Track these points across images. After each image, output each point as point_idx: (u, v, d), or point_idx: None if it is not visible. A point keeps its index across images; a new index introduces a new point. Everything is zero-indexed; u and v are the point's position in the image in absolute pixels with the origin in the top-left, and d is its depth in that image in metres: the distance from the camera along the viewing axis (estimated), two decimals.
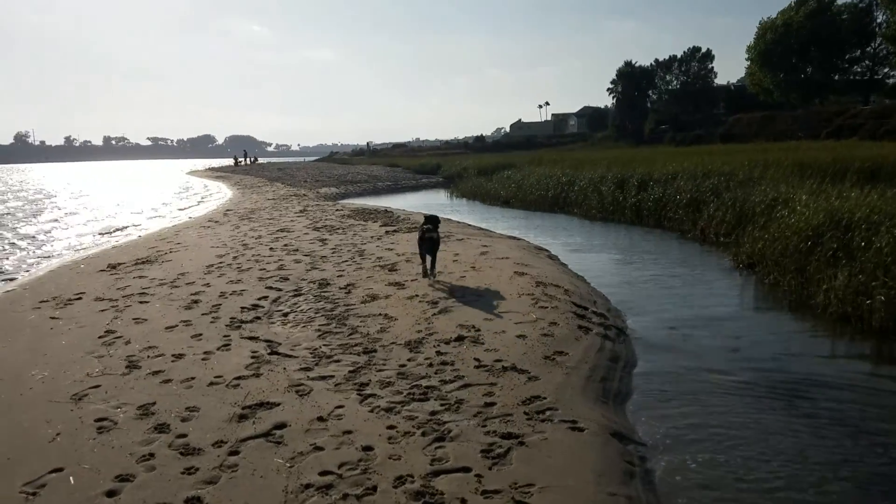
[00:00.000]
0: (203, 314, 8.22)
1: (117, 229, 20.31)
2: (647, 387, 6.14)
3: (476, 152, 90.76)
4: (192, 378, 5.98)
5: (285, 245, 13.40)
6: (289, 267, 10.97)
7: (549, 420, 4.91)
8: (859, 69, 78.49)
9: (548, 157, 43.31)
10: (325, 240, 13.86)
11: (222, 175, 59.54)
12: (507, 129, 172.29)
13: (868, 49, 76.42)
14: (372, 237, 14.06)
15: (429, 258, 9.66)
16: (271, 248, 12.93)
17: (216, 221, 19.60)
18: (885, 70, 75.71)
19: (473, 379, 5.69)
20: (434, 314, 7.62)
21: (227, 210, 23.94)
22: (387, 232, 14.77)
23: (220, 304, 8.64)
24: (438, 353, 6.38)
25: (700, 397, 5.88)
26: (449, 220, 19.18)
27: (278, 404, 5.32)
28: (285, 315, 8.07)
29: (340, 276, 10.08)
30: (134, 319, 8.10)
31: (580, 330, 7.05)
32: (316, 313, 8.06)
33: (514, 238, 15.10)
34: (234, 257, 12.12)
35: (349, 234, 14.66)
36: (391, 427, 4.81)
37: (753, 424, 5.35)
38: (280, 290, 9.39)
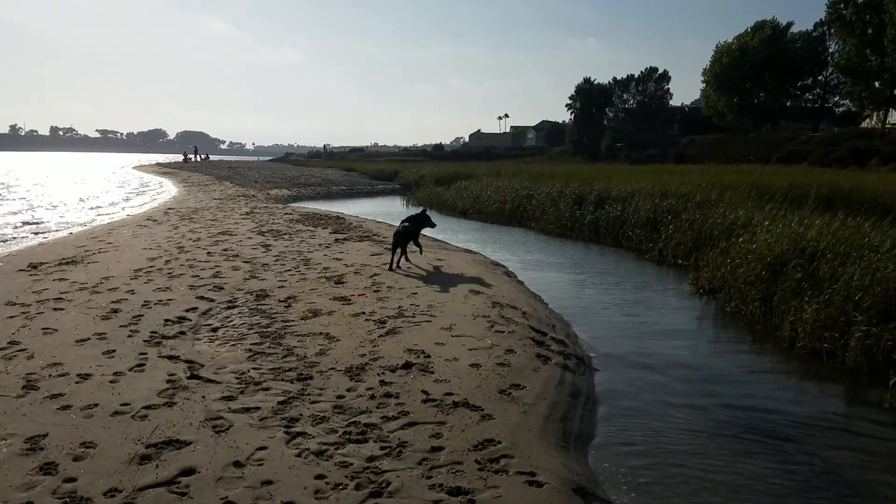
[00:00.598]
0: (121, 326, 7.36)
1: (43, 225, 19.01)
2: (610, 428, 5.57)
3: (435, 160, 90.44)
4: (95, 405, 5.17)
5: (225, 250, 12.51)
6: (225, 274, 10.12)
7: (503, 471, 4.27)
8: (810, 97, 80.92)
9: (507, 168, 43.04)
10: (269, 245, 13.01)
11: (170, 171, 57.66)
12: (467, 139, 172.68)
13: (819, 77, 78.87)
14: (320, 245, 13.27)
15: (398, 251, 10.80)
16: (209, 253, 12.04)
17: (155, 220, 18.50)
18: (836, 98, 78.20)
19: (420, 416, 5.02)
20: (381, 335, 6.93)
21: (169, 208, 22.77)
22: (336, 240, 13.99)
23: (143, 315, 7.78)
24: (382, 382, 5.69)
25: (667, 441, 5.34)
26: None
27: (189, 443, 4.56)
28: (214, 330, 7.27)
29: (281, 286, 9.30)
30: (43, 329, 7.19)
31: (539, 359, 6.45)
32: (249, 329, 7.28)
33: (471, 252, 14.51)
34: (167, 261, 11.19)
35: (296, 241, 13.84)
36: (320, 477, 4.10)
37: (726, 471, 4.83)
38: (212, 300, 8.56)
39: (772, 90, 78.64)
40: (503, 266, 12.81)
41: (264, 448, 4.47)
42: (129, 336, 6.99)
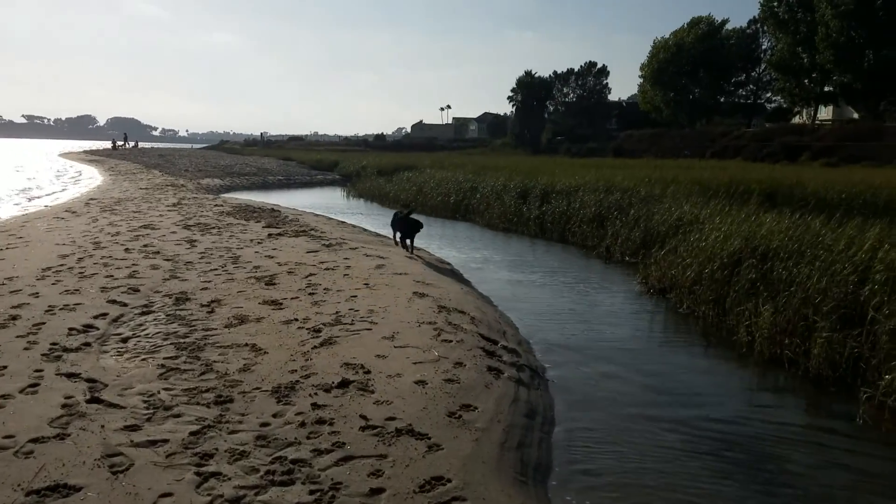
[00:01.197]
0: (18, 336, 6.42)
1: None
2: (571, 453, 5.02)
3: (376, 151, 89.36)
4: None
5: (145, 246, 11.49)
6: (143, 274, 9.18)
7: None
8: (744, 93, 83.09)
9: (450, 160, 42.53)
10: (195, 241, 12.04)
11: (97, 159, 54.93)
12: (409, 130, 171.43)
13: (753, 74, 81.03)
14: (251, 240, 12.38)
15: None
16: (127, 250, 11.01)
17: (74, 212, 17.16)
18: (768, 95, 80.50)
19: (357, 448, 4.35)
20: (315, 346, 6.20)
21: (91, 199, 21.30)
22: (270, 235, 13.09)
23: (44, 323, 6.83)
24: (315, 405, 4.98)
25: (631, 463, 4.84)
26: (343, 223, 17.71)
27: (79, 489, 3.79)
28: (124, 341, 6.41)
29: (205, 288, 8.44)
30: None
31: (490, 373, 5.85)
32: (164, 339, 6.45)
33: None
34: (80, 259, 10.14)
35: (225, 236, 12.89)
36: None
37: (699, 495, 4.36)
38: (125, 304, 7.66)
39: (706, 86, 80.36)
40: (448, 264, 12.20)
41: (168, 495, 3.73)
42: (24, 349, 6.07)
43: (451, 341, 6.30)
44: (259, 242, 12.11)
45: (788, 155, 49.51)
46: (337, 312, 7.32)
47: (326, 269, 9.66)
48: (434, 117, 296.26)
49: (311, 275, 9.26)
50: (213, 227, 14.04)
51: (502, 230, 18.91)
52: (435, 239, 16.47)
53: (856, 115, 63.77)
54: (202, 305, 7.67)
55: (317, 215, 19.18)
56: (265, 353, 6.07)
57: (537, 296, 10.33)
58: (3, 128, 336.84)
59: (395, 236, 13.35)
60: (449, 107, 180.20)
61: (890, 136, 46.79)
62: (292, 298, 7.96)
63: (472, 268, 12.43)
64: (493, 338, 6.76)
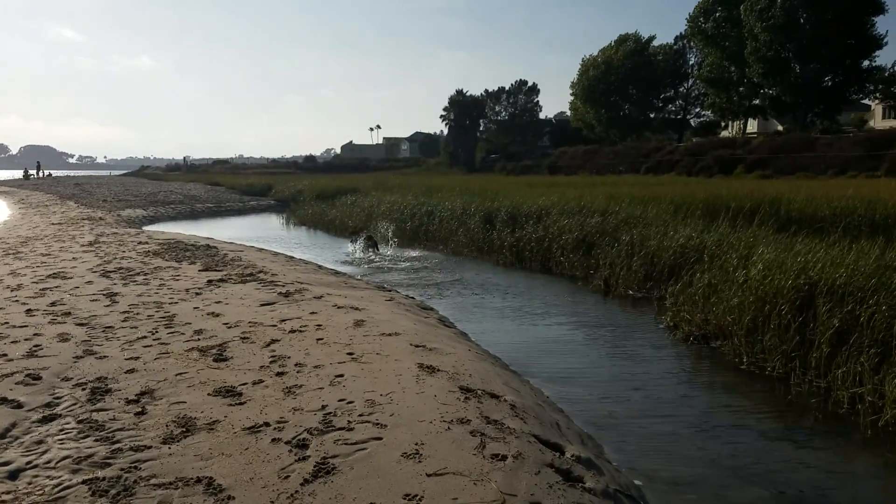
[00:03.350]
0: None
1: None
2: None
3: (307, 172, 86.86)
4: None
5: (53, 304, 9.04)
6: (48, 350, 6.83)
7: None
8: (673, 108, 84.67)
9: (391, 181, 40.57)
10: (116, 295, 9.62)
11: (7, 190, 50.32)
12: (338, 151, 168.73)
13: (681, 89, 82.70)
14: (187, 290, 10.05)
15: None
16: (29, 311, 8.55)
17: None
18: (697, 109, 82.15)
19: None
20: (305, 481, 4.08)
21: None
22: (210, 281, 10.77)
23: None
24: None
25: None
26: (293, 259, 15.46)
27: None
28: (12, 477, 4.17)
29: (131, 370, 6.17)
30: None
31: None
32: (74, 473, 4.22)
33: (385, 289, 11.77)
34: None
35: (153, 285, 10.51)
36: None
37: None
38: (19, 405, 5.36)
39: (636, 102, 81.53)
40: (433, 310, 10.21)
41: None
42: None
43: (504, 457, 4.30)
44: (197, 293, 9.80)
45: (723, 168, 49.90)
46: (323, 407, 5.20)
47: (292, 330, 7.50)
48: (364, 137, 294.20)
49: (273, 341, 7.08)
50: (138, 273, 11.60)
51: (471, 258, 17.05)
52: (400, 273, 14.44)
53: (780, 128, 65.52)
54: (128, 402, 5.42)
55: (260, 250, 16.83)
56: (229, 496, 3.92)
57: (557, 350, 8.40)
58: None
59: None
60: (379, 127, 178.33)
61: (821, 148, 47.65)
62: (255, 383, 5.79)
63: (457, 310, 10.47)
64: (553, 440, 4.79)
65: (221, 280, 10.86)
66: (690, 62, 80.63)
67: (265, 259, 14.19)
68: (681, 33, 79.29)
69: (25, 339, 7.19)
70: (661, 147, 65.33)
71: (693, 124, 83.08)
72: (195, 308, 8.77)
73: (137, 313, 8.47)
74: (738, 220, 13.19)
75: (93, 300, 9.31)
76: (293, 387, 5.66)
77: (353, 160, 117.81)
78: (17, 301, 9.19)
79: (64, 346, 7.01)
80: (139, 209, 31.78)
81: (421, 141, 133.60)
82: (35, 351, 6.78)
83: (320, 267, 14.43)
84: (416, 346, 6.81)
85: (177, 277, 11.18)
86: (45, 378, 6.01)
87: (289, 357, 6.49)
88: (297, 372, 6.06)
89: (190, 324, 7.92)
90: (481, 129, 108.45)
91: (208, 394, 5.57)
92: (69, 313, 8.48)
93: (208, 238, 18.69)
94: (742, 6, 56.52)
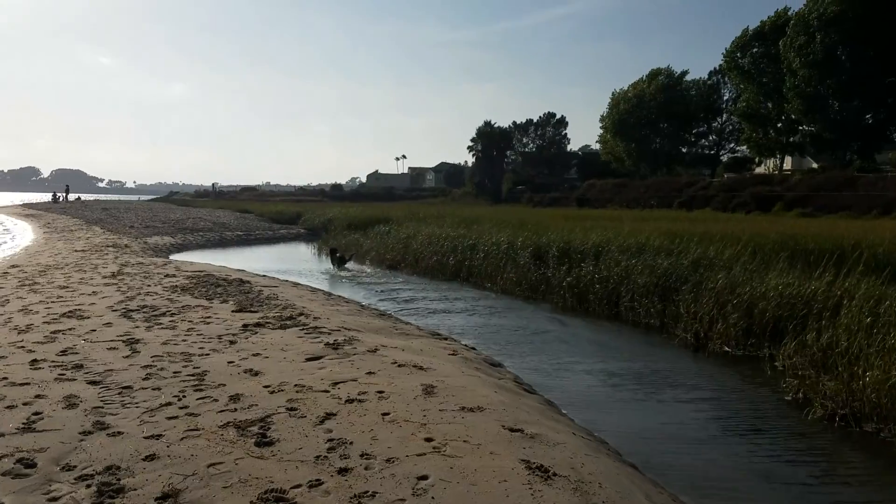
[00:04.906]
0: None
1: None
2: None
3: (334, 200, 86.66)
4: None
5: (64, 352, 7.72)
6: (50, 418, 5.46)
7: None
8: (706, 143, 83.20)
9: (424, 211, 39.36)
10: (138, 342, 8.28)
11: (34, 213, 50.04)
12: (363, 179, 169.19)
13: (715, 124, 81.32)
14: (220, 337, 8.68)
15: None
16: (35, 363, 7.21)
17: None
18: (731, 145, 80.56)
19: None
20: None
21: (14, 265, 17.25)
22: (245, 326, 9.40)
23: None
24: None
25: None
26: (332, 297, 14.10)
27: None
28: None
29: (152, 456, 4.77)
30: None
31: None
32: None
33: (441, 336, 10.32)
34: None
35: (181, 328, 9.17)
36: None
37: None
38: None
39: (668, 136, 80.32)
40: (502, 366, 8.73)
41: None
42: None
43: None
44: (231, 342, 8.41)
45: (760, 205, 48.26)
46: None
47: (349, 399, 6.05)
48: (390, 167, 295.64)
49: (327, 415, 5.64)
50: (164, 313, 10.28)
51: (522, 298, 15.56)
52: (453, 317, 12.96)
53: (814, 165, 63.78)
54: None
55: (296, 285, 15.50)
56: None
57: (680, 437, 6.59)
58: None
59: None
60: (405, 156, 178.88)
61: (864, 187, 45.87)
62: (311, 486, 4.33)
63: (532, 369, 8.95)
64: None
65: (258, 324, 9.48)
66: (725, 97, 79.37)
67: (303, 297, 12.82)
68: (715, 68, 78.30)
69: (24, 404, 5.83)
70: (693, 182, 63.93)
71: (726, 160, 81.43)
72: (230, 363, 7.37)
73: (161, 368, 7.10)
74: (824, 265, 11.62)
75: (110, 348, 7.96)
76: (362, 495, 4.19)
77: (379, 189, 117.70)
78: (22, 347, 7.86)
79: (70, 414, 5.63)
80: (167, 236, 30.78)
81: (446, 171, 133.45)
82: (33, 422, 5.41)
83: (363, 307, 13.03)
84: (512, 431, 5.32)
85: (207, 319, 9.83)
86: (41, 466, 4.62)
87: (351, 442, 5.03)
88: (365, 468, 4.59)
89: (224, 385, 6.51)
90: (508, 160, 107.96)
91: (251, 502, 4.13)
92: (81, 366, 7.12)
93: (240, 270, 17.44)
94: (780, 42, 55.29)
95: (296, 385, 6.49)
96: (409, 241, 23.62)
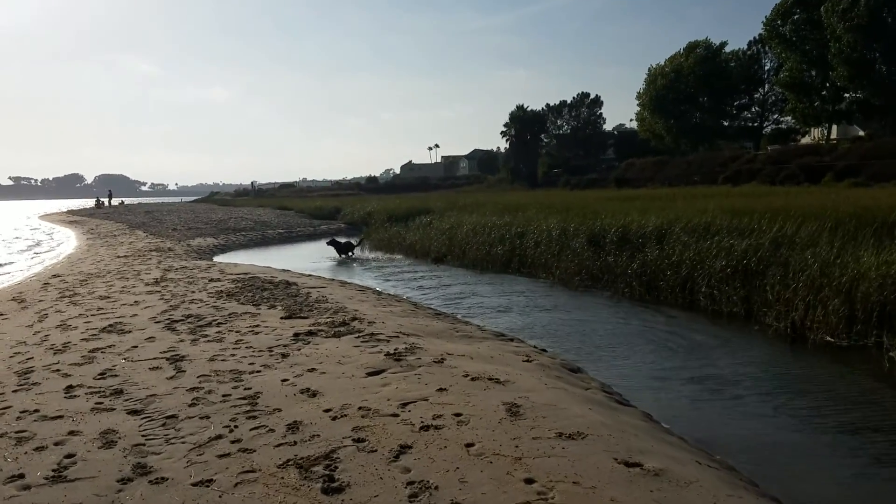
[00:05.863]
0: None
1: None
2: None
3: (370, 193, 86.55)
4: None
5: (103, 374, 7.05)
6: (84, 462, 4.75)
7: None
8: (749, 115, 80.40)
9: (463, 200, 38.44)
10: (183, 359, 7.58)
11: (78, 219, 50.63)
12: (397, 171, 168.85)
13: (756, 96, 78.46)
14: (270, 349, 7.94)
15: None
16: (70, 389, 6.55)
17: (22, 301, 12.76)
18: (775, 116, 77.66)
19: None
20: None
21: (54, 275, 16.90)
22: (297, 335, 8.65)
23: None
24: None
25: None
26: (382, 296, 13.33)
27: None
28: None
29: None
30: None
31: None
32: None
33: (506, 337, 9.43)
34: None
35: (228, 340, 8.46)
36: None
37: None
38: None
39: (708, 110, 77.91)
40: (582, 372, 7.81)
41: None
42: None
43: None
44: (284, 354, 7.66)
45: (809, 177, 46.19)
46: None
47: (424, 426, 5.20)
48: (422, 156, 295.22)
49: (401, 449, 4.79)
50: (210, 323, 9.60)
51: (582, 288, 14.57)
52: (514, 314, 12.04)
53: (861, 133, 61.10)
54: None
55: (344, 285, 14.76)
56: None
57: (818, 454, 5.61)
58: None
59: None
60: (437, 146, 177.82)
61: None
62: None
63: (618, 374, 7.97)
64: None
65: (311, 332, 8.72)
66: (766, 67, 76.43)
67: (354, 298, 12.06)
68: (754, 38, 75.41)
69: (56, 444, 5.13)
70: (737, 156, 61.81)
71: (769, 131, 78.61)
72: (283, 381, 6.60)
73: (209, 391, 6.36)
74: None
75: (153, 368, 7.28)
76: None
77: (413, 179, 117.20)
78: (58, 371, 7.22)
79: (107, 456, 4.90)
80: (210, 237, 30.47)
81: (480, 158, 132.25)
82: (65, 468, 4.69)
83: (415, 305, 12.22)
84: (629, 466, 4.40)
85: (256, 329, 9.11)
86: None
87: (436, 487, 4.18)
88: None
89: (280, 410, 5.73)
90: (543, 143, 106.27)
91: None
92: (120, 391, 6.43)
93: (285, 271, 16.80)
94: (823, 7, 52.72)
95: (360, 408, 5.67)
96: (453, 232, 22.77)
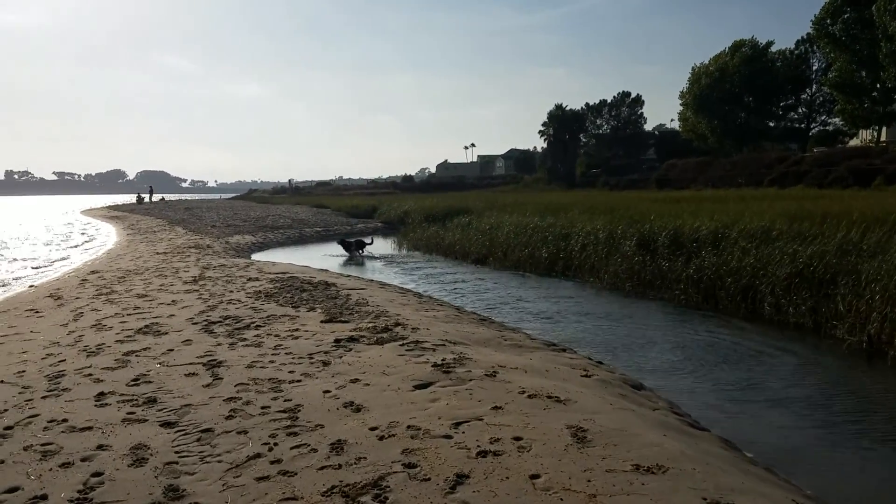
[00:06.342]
0: None
1: None
2: None
3: (406, 192, 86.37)
4: None
5: (136, 380, 6.69)
6: (112, 483, 4.33)
7: None
8: (795, 116, 78.20)
9: (502, 200, 37.87)
10: (220, 365, 7.20)
11: (119, 215, 51.34)
12: (432, 170, 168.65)
13: (803, 96, 76.24)
14: (311, 356, 7.51)
15: None
16: (101, 396, 6.19)
17: (59, 297, 12.62)
18: (823, 117, 75.37)
19: None
20: None
21: (92, 272, 16.82)
22: (338, 341, 8.21)
23: None
24: None
25: None
26: (422, 298, 12.86)
27: None
28: None
29: None
30: None
31: None
32: None
33: (557, 347, 8.87)
34: (2, 434, 5.35)
35: (267, 346, 8.06)
36: None
37: None
38: None
39: (754, 111, 75.99)
40: (645, 388, 7.22)
41: None
42: None
43: None
44: (325, 362, 7.22)
45: (858, 180, 44.52)
46: None
47: (481, 452, 4.67)
48: (458, 156, 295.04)
49: (458, 479, 4.27)
50: (248, 326, 9.23)
51: (633, 294, 13.92)
52: (561, 322, 11.45)
53: None
54: None
55: (384, 286, 14.34)
56: None
57: None
58: (34, 186, 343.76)
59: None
60: (473, 145, 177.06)
61: None
62: None
63: (686, 393, 7.35)
64: None
65: (352, 339, 8.26)
66: (814, 67, 74.15)
67: (394, 301, 11.60)
68: (803, 37, 73.25)
69: (83, 459, 4.74)
70: (784, 158, 60.01)
71: (815, 133, 76.32)
72: (325, 392, 6.15)
73: (247, 402, 5.94)
74: None
75: (188, 374, 6.90)
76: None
77: (449, 179, 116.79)
78: (90, 376, 6.89)
79: (137, 475, 4.49)
80: (248, 235, 30.43)
81: (516, 158, 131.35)
82: (91, 489, 4.28)
83: (460, 311, 11.72)
84: None
85: (295, 333, 8.70)
86: None
87: None
88: None
89: (322, 427, 5.27)
90: (581, 143, 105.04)
91: None
92: (154, 400, 6.05)
93: (323, 271, 16.47)
94: (874, 6, 50.69)
95: (409, 427, 5.19)
96: (493, 233, 22.22)
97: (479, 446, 4.76)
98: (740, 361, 8.65)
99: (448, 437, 4.98)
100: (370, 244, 23.61)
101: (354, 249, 23.26)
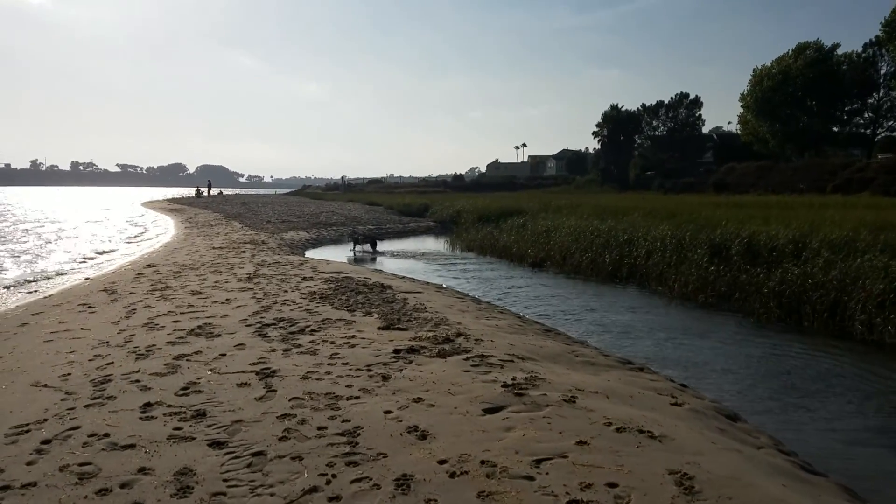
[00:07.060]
0: None
1: None
2: None
3: (456, 191, 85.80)
4: None
5: (185, 389, 6.25)
6: None
7: None
8: (861, 121, 74.80)
9: (556, 201, 36.92)
10: (274, 374, 6.71)
11: (178, 208, 52.20)
12: (482, 169, 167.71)
13: (871, 101, 72.80)
14: (369, 368, 6.96)
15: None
16: (147, 408, 5.75)
17: (113, 293, 12.43)
18: (890, 123, 71.85)
19: None
20: None
21: (148, 265, 16.72)
22: (397, 351, 7.65)
23: None
24: None
25: None
26: (482, 305, 12.22)
27: None
28: None
29: None
30: None
31: None
32: None
33: (634, 366, 8.13)
34: (39, 449, 4.93)
35: (323, 354, 7.55)
36: None
37: None
38: None
39: (817, 115, 72.85)
40: (741, 420, 6.44)
41: None
42: None
43: None
44: (384, 376, 6.66)
45: None
46: None
47: (570, 502, 4.03)
48: (508, 155, 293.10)
49: None
50: (303, 330, 8.75)
51: (707, 306, 13.02)
52: (636, 333, 10.66)
53: None
54: None
55: (440, 289, 13.78)
56: None
57: None
58: (99, 177, 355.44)
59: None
60: (524, 145, 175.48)
61: None
62: None
63: (778, 417, 6.57)
64: None
65: (412, 349, 7.69)
66: (882, 71, 70.63)
67: (453, 307, 11.00)
68: (871, 39, 69.85)
69: (122, 486, 4.26)
70: (848, 163, 57.38)
71: (882, 139, 72.77)
72: (386, 413, 5.58)
73: (302, 420, 5.41)
74: None
75: (241, 384, 6.42)
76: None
77: (499, 178, 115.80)
78: (137, 382, 6.47)
79: None
80: (302, 231, 30.32)
81: (568, 158, 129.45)
82: None
83: (523, 320, 11.05)
84: None
85: (352, 340, 8.18)
86: None
87: None
88: None
89: (385, 456, 4.70)
90: (636, 145, 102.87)
91: None
92: (203, 413, 5.58)
93: (377, 271, 16.00)
94: None
95: (483, 462, 4.56)
96: (550, 236, 21.44)
97: (567, 494, 4.10)
98: (840, 388, 7.78)
99: (530, 478, 4.33)
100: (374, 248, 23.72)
101: (362, 243, 23.43)
